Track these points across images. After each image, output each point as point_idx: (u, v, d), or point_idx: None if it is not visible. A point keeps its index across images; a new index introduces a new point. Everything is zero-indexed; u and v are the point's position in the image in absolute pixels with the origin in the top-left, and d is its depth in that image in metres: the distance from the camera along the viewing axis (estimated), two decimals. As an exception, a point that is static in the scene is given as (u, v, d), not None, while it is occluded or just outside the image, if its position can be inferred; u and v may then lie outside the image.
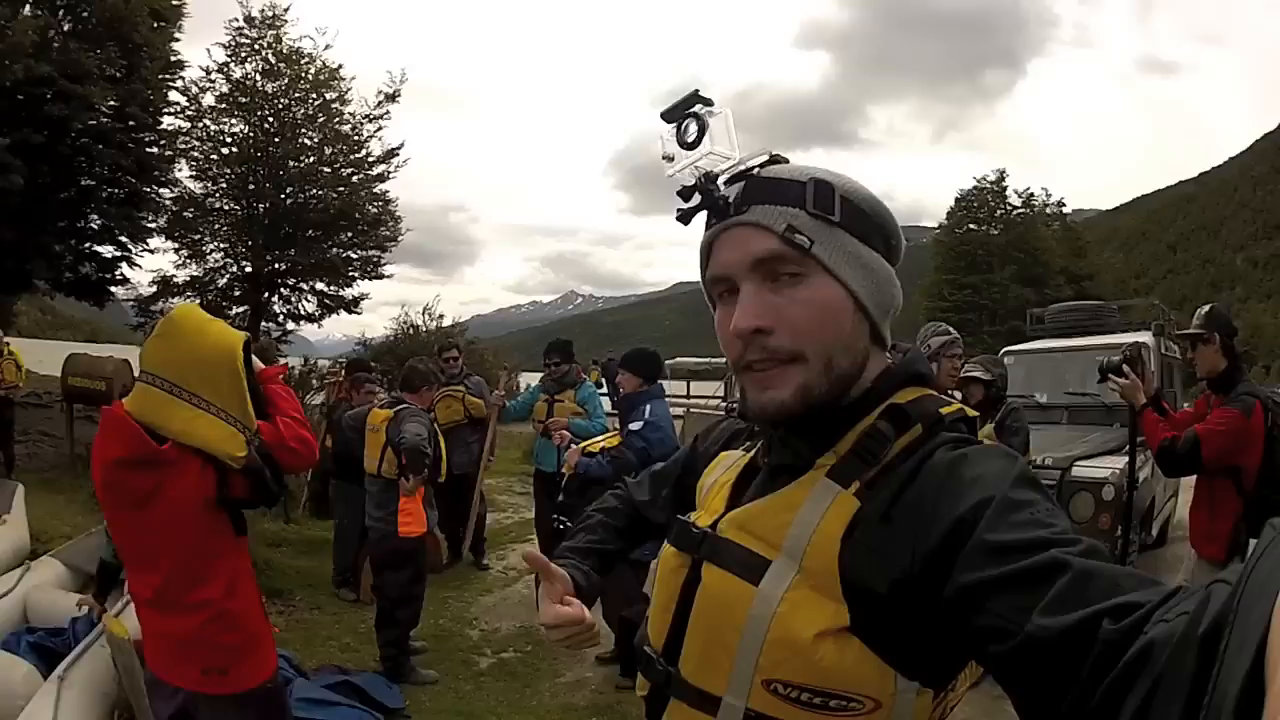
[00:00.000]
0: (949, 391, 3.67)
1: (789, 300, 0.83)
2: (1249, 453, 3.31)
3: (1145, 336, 6.83)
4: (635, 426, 4.11)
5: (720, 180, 0.87)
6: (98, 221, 12.62)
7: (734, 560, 0.85)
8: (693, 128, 0.87)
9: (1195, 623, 0.45)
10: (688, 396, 12.99)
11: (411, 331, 15.81)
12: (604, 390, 8.02)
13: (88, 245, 12.87)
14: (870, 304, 0.86)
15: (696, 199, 0.87)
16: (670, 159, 0.90)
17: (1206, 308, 3.58)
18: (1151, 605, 0.53)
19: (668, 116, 0.90)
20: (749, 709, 0.81)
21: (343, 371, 6.79)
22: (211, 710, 2.08)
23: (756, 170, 0.87)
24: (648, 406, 4.19)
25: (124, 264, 13.40)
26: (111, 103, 11.65)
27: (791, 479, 0.87)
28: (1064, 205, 48.37)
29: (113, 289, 13.62)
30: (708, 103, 0.88)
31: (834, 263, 0.83)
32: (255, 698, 2.14)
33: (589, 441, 4.29)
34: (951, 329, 3.75)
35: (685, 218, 0.89)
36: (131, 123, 12.29)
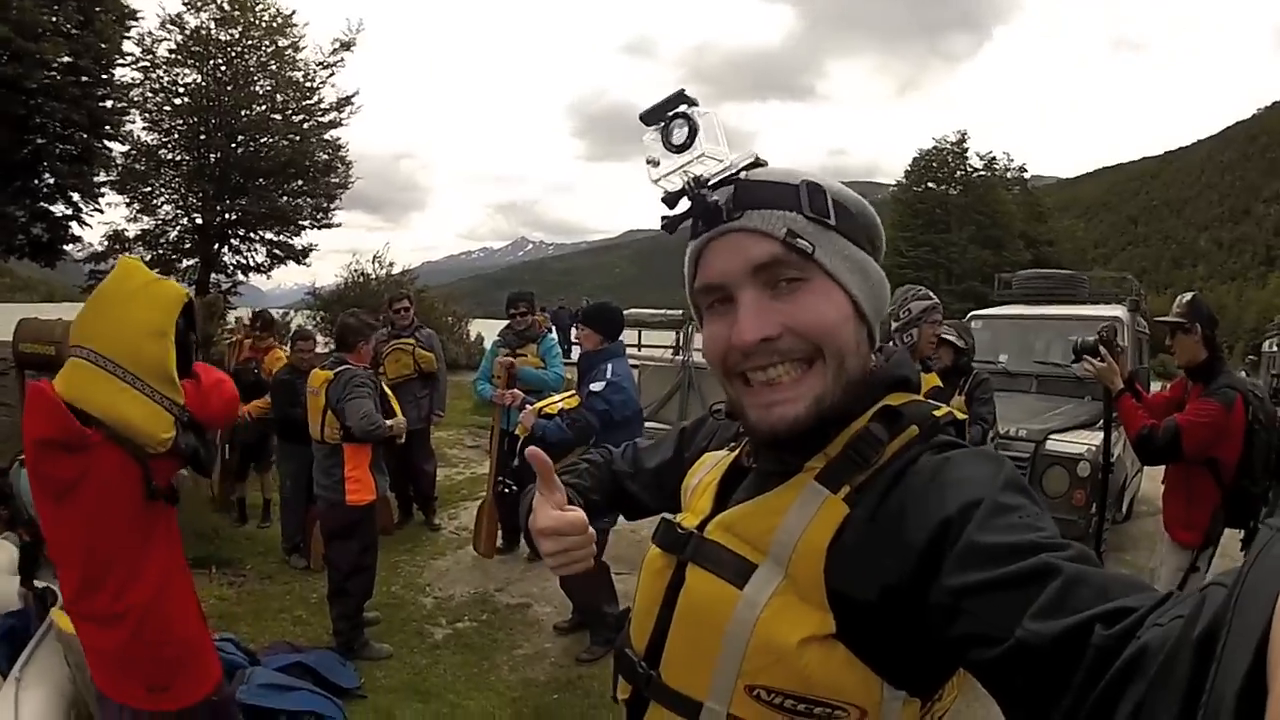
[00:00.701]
0: (928, 358, 3.57)
1: (793, 305, 0.81)
2: (1228, 445, 3.33)
3: (1119, 310, 6.80)
4: (597, 387, 3.93)
5: (709, 185, 0.81)
6: (50, 180, 12.36)
7: (719, 563, 0.84)
8: (683, 129, 0.82)
9: (1191, 625, 0.44)
10: (639, 347, 12.94)
11: (361, 280, 15.64)
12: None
13: (40, 205, 12.61)
14: (868, 309, 0.85)
15: (684, 205, 0.82)
16: (655, 163, 0.84)
17: (1188, 296, 3.55)
18: (1144, 610, 0.52)
19: (649, 119, 0.85)
20: (730, 715, 0.79)
21: (247, 329, 6.24)
22: None
23: (744, 174, 0.82)
24: (609, 366, 4.02)
25: (74, 222, 13.21)
26: (64, 58, 11.34)
27: (781, 480, 0.85)
28: (1025, 170, 48.93)
29: (64, 248, 13.40)
30: (693, 102, 0.83)
31: (835, 267, 0.82)
32: (199, 713, 2.05)
33: (545, 402, 4.12)
34: (931, 293, 3.62)
35: (671, 226, 0.85)
36: (84, 77, 12.08)
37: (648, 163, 0.85)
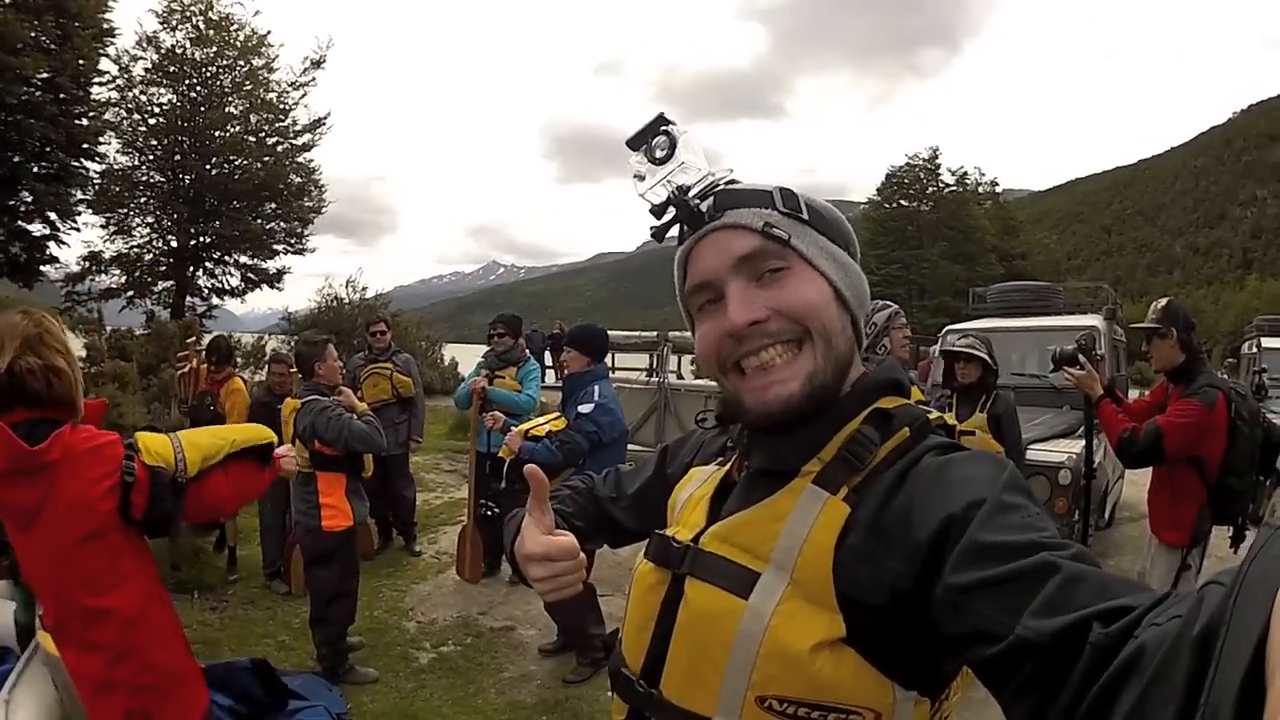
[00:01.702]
0: (905, 364, 3.60)
1: (777, 290, 0.85)
2: (1211, 443, 3.35)
3: (1095, 320, 6.85)
4: (585, 409, 3.95)
5: (690, 195, 0.88)
6: (28, 199, 12.24)
7: (720, 574, 0.83)
8: (663, 143, 0.90)
9: (1189, 625, 0.44)
10: (613, 369, 12.96)
11: (335, 304, 15.45)
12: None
13: (18, 224, 12.51)
14: (849, 296, 0.89)
15: (671, 213, 0.88)
16: (641, 178, 0.91)
17: (1163, 301, 3.59)
18: (1143, 609, 0.53)
19: (634, 143, 0.92)
20: None
21: (200, 355, 5.87)
22: None
23: (723, 184, 0.89)
24: (596, 387, 4.03)
25: (52, 242, 13.08)
26: (43, 74, 11.34)
27: (776, 486, 0.86)
28: (997, 184, 48.84)
29: (42, 268, 13.26)
30: (671, 123, 0.91)
31: (812, 254, 0.87)
32: None
33: (530, 424, 4.11)
34: (891, 302, 3.68)
35: (660, 233, 0.91)
36: (62, 95, 12.09)
37: (635, 178, 0.92)
